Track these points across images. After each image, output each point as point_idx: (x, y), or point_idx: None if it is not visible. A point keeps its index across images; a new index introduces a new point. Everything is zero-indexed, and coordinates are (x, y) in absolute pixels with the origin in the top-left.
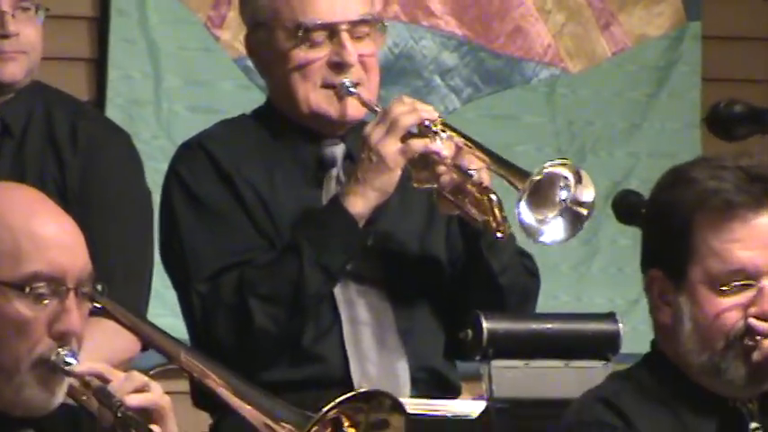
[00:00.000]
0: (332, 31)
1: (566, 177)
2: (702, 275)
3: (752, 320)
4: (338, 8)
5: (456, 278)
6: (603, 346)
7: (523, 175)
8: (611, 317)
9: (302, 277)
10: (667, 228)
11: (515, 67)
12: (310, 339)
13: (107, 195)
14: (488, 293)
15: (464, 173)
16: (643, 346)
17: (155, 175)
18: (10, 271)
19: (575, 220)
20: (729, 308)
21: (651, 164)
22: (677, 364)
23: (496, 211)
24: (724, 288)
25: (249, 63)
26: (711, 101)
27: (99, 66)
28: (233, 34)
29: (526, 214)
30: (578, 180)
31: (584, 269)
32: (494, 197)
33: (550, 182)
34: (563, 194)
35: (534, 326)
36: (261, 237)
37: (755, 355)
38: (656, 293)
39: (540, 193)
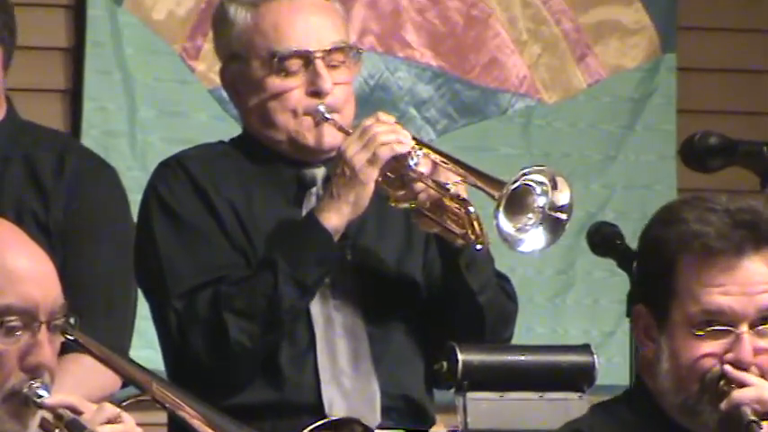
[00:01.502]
0: (307, 59)
1: (542, 183)
2: (682, 317)
3: (727, 367)
4: (312, 36)
5: (434, 302)
6: (579, 378)
7: (499, 184)
8: (586, 349)
9: (277, 292)
10: (653, 266)
11: (491, 98)
12: (286, 360)
13: (91, 228)
14: (467, 313)
15: (441, 187)
16: (618, 378)
17: (130, 205)
18: None
19: (554, 226)
20: (706, 353)
21: (626, 195)
22: (658, 399)
23: (475, 223)
24: (701, 333)
25: (225, 94)
26: (686, 133)
27: (74, 97)
28: (208, 65)
29: (504, 223)
30: (554, 185)
31: (559, 301)
32: (471, 209)
33: (527, 189)
34: (540, 201)
35: (509, 357)
36: (237, 254)
37: (723, 404)
38: (641, 328)
39: (518, 202)
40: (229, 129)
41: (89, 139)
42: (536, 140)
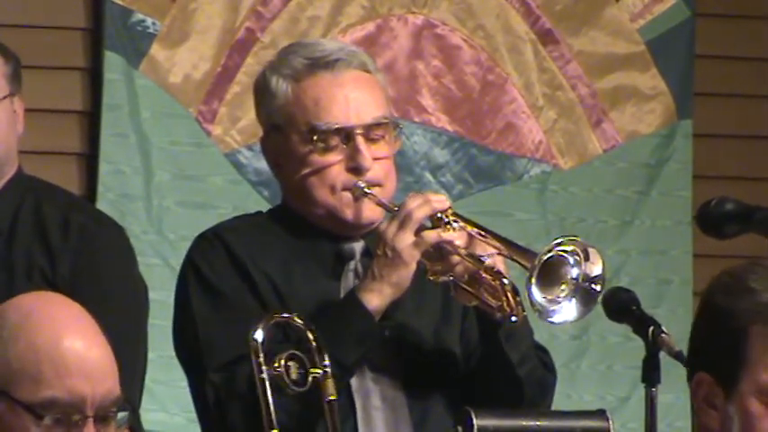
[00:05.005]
0: (347, 134)
1: (574, 254)
2: (755, 387)
3: None
4: (352, 112)
5: (472, 372)
6: None
7: (532, 255)
8: (601, 414)
9: None
10: (721, 335)
11: (507, 163)
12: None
13: (98, 288)
14: (507, 385)
15: (477, 260)
16: None
17: (144, 270)
18: (29, 393)
19: (587, 297)
20: None
21: (641, 261)
22: None
23: (509, 295)
24: None
25: (240, 158)
26: (702, 199)
27: (90, 160)
28: (224, 129)
29: (537, 294)
30: (586, 256)
31: (574, 366)
32: (506, 281)
33: (560, 260)
34: (573, 272)
35: (524, 423)
36: (276, 328)
37: None
38: (701, 396)
39: (551, 273)
40: (245, 193)
41: (105, 203)
42: (551, 206)
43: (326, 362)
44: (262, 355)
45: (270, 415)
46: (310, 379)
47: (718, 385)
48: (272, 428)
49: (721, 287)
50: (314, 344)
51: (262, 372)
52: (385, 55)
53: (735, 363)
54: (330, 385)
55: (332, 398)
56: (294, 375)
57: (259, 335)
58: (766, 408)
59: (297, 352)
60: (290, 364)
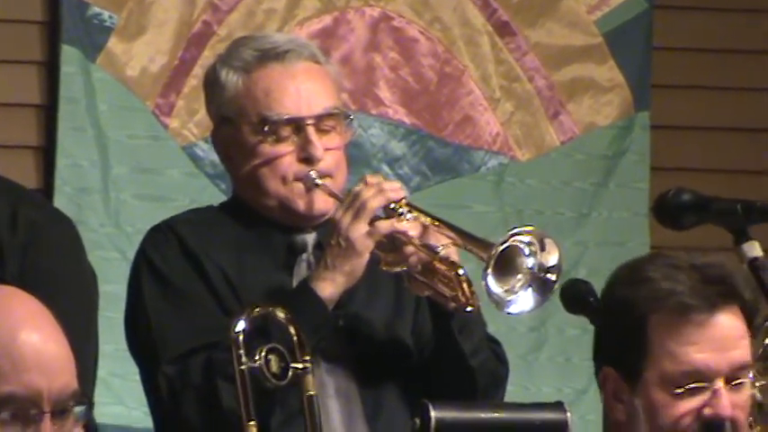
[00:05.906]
0: (297, 125)
1: (530, 244)
2: (657, 377)
3: (706, 417)
4: (303, 102)
5: (425, 365)
6: None
7: (488, 245)
8: (559, 406)
9: None
10: (622, 327)
11: (464, 155)
12: (276, 423)
13: (47, 283)
14: (459, 376)
15: (431, 250)
16: None
17: (102, 263)
18: None
19: (543, 287)
20: (685, 413)
21: (599, 253)
22: None
23: (464, 285)
24: (678, 390)
25: (197, 151)
26: (659, 190)
27: (47, 153)
28: (181, 122)
29: (493, 285)
30: (542, 246)
31: (531, 358)
32: (461, 271)
33: (515, 250)
34: (529, 262)
35: (482, 415)
36: (229, 319)
37: None
38: (609, 391)
39: (507, 263)
40: (202, 186)
41: (62, 196)
42: (509, 198)
43: (307, 357)
44: (242, 346)
45: (248, 407)
46: (290, 373)
47: (623, 379)
48: (251, 420)
49: (621, 279)
50: (295, 338)
51: (242, 364)
52: (342, 47)
53: (637, 354)
54: (310, 381)
55: (311, 393)
56: (275, 369)
57: (240, 326)
58: (670, 396)
59: (278, 345)
60: (270, 357)
